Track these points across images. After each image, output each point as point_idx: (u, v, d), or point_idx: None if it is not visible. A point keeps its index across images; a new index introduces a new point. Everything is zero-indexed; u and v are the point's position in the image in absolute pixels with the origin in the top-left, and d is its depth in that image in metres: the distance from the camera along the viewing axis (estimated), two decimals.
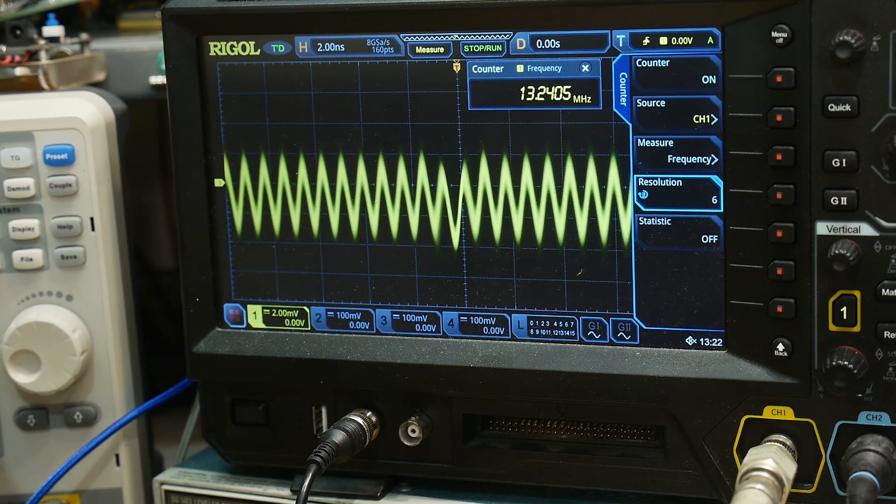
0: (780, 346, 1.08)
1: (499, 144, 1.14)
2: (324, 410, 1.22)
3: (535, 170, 1.14)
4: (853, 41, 1.01)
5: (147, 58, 1.42)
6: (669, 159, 1.10)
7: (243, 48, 1.19)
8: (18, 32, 1.34)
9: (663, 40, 1.08)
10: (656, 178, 1.11)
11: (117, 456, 1.32)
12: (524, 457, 1.18)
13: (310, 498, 1.14)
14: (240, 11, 1.17)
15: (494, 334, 1.17)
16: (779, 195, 1.06)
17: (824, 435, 1.09)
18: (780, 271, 1.07)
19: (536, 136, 1.13)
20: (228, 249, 1.22)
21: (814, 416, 1.09)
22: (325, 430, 1.22)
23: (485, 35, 1.13)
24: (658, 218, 1.11)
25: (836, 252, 1.04)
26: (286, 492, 1.23)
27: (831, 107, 1.03)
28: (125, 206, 1.32)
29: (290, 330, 1.22)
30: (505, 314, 1.16)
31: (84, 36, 1.41)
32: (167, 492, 1.26)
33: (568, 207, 1.13)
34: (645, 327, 1.13)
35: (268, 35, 1.18)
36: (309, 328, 1.22)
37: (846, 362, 1.05)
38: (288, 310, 1.22)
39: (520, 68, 1.13)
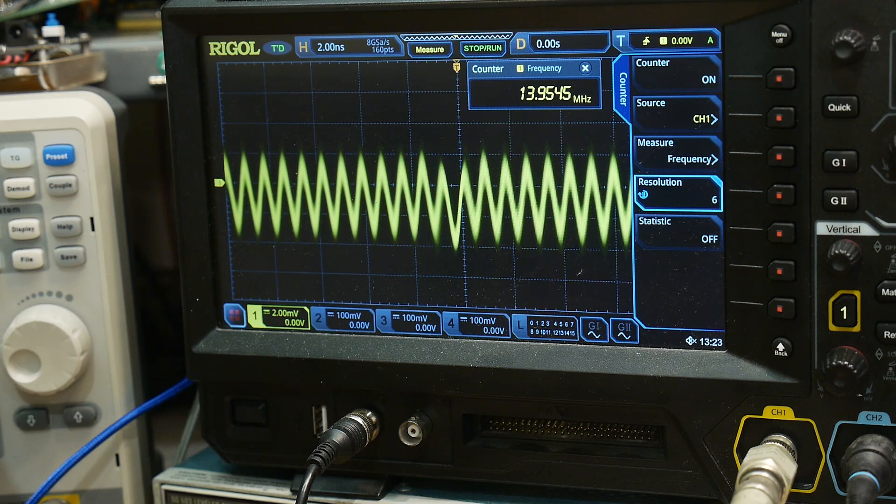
0: (780, 346, 1.08)
1: (499, 144, 1.14)
2: (324, 410, 1.22)
3: (535, 170, 1.13)
4: (853, 41, 1.01)
5: (147, 58, 1.42)
6: (669, 159, 1.10)
7: (243, 48, 1.19)
8: (18, 32, 1.34)
9: (663, 40, 1.08)
10: (656, 178, 1.11)
11: (117, 456, 1.32)
12: (524, 457, 1.18)
13: (310, 498, 1.15)
14: (240, 11, 1.17)
15: (494, 334, 1.17)
16: (779, 195, 1.06)
17: (824, 435, 1.09)
18: (780, 271, 1.07)
19: (536, 136, 1.13)
20: (228, 249, 1.22)
21: (814, 416, 1.09)
22: (325, 430, 1.22)
23: (485, 35, 1.13)
24: (658, 218, 1.11)
25: (836, 252, 1.04)
26: (286, 492, 1.23)
27: (831, 107, 1.03)
28: (125, 206, 1.32)
29: (290, 330, 1.22)
30: (505, 314, 1.16)
31: (84, 36, 1.41)
32: (167, 492, 1.26)
33: (568, 207, 1.13)
34: (645, 327, 1.13)
35: (268, 35, 1.18)
36: (309, 328, 1.22)
37: (846, 362, 1.05)
38: (288, 310, 1.22)
39: (520, 68, 1.13)
